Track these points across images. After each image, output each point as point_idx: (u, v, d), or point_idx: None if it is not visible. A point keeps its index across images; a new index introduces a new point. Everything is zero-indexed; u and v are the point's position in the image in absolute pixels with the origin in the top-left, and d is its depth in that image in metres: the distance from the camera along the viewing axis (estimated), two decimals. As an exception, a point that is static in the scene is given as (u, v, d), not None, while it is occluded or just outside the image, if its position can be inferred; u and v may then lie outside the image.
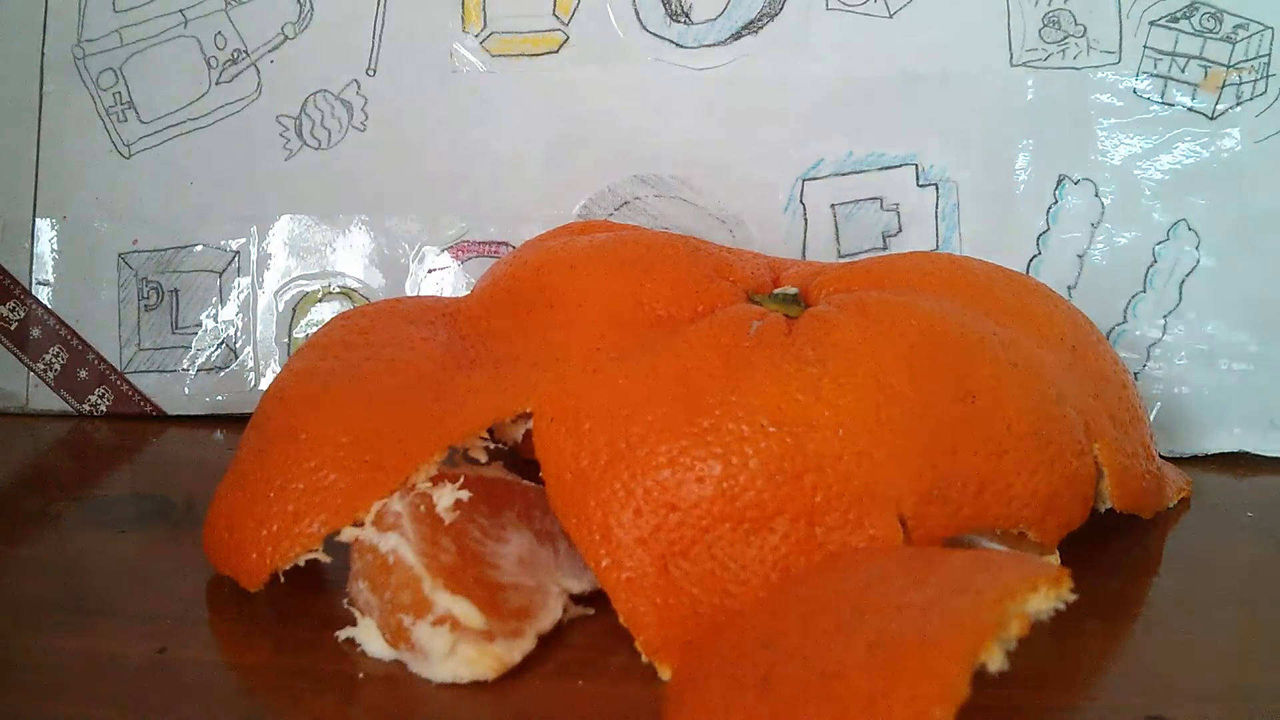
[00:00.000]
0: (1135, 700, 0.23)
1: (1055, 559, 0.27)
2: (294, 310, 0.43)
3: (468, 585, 0.25)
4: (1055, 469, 0.27)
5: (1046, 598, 0.20)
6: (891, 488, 0.25)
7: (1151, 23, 0.40)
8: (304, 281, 0.44)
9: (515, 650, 0.25)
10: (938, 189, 0.41)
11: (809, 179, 0.41)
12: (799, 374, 0.26)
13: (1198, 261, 0.40)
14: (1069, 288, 0.40)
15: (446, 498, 0.26)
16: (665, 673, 0.24)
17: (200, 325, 0.44)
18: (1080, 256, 0.40)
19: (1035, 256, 0.40)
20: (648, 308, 0.29)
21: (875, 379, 0.26)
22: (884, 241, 0.41)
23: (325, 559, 0.26)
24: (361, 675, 0.24)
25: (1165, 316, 0.40)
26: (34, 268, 0.44)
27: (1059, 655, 0.25)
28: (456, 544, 0.26)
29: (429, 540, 0.25)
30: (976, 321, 0.29)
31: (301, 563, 0.26)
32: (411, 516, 0.25)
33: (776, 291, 0.30)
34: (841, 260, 0.41)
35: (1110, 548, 0.30)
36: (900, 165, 0.41)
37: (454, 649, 0.24)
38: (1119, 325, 0.40)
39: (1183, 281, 0.40)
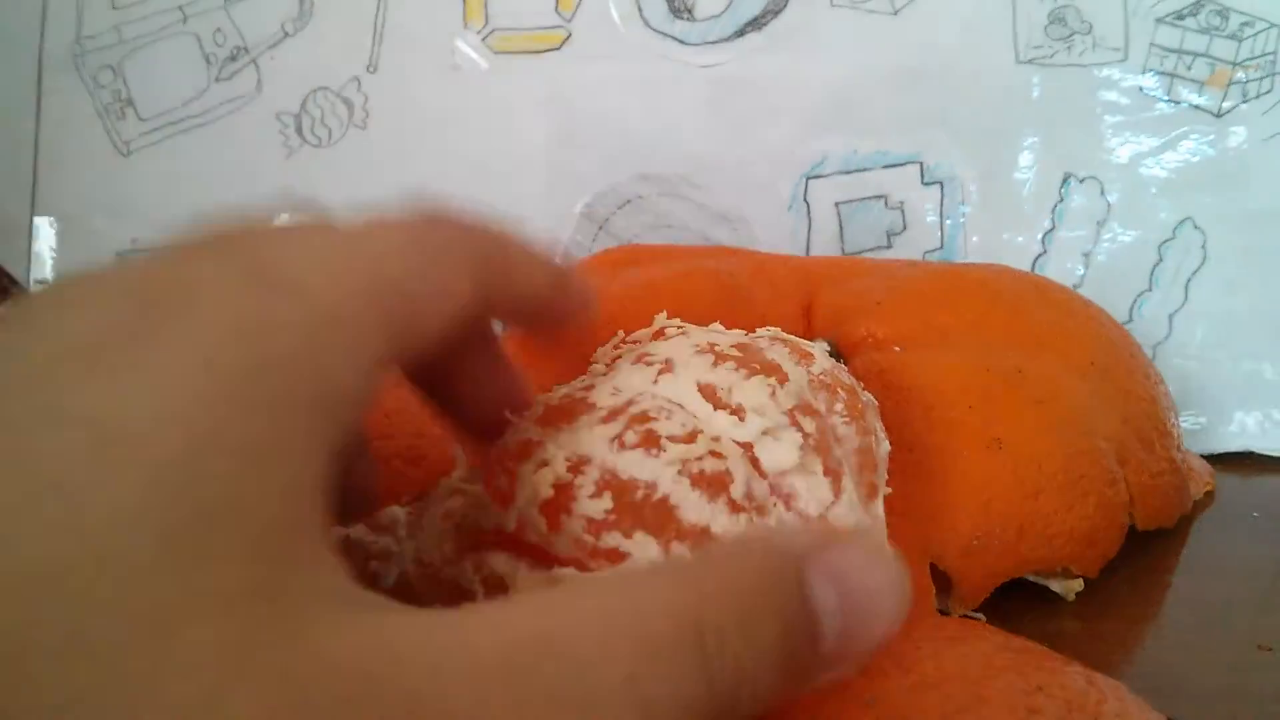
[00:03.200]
0: (1143, 701, 0.23)
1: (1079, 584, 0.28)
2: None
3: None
4: (1090, 502, 0.27)
5: None
6: (918, 544, 0.25)
7: (1158, 20, 0.40)
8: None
9: None
10: (942, 187, 0.41)
11: (813, 177, 0.41)
12: None
13: (1204, 260, 0.39)
14: (1074, 286, 0.40)
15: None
16: None
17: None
18: (1085, 255, 0.40)
19: (1040, 255, 0.40)
20: None
21: (898, 447, 0.26)
22: (888, 240, 0.41)
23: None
24: None
25: (1171, 316, 0.40)
26: (32, 266, 0.44)
27: (1067, 656, 0.25)
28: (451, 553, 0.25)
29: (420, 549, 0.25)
30: (1002, 359, 0.29)
31: None
32: (407, 525, 0.25)
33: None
34: (859, 261, 0.41)
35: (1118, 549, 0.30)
36: (905, 163, 0.41)
37: None
38: (1124, 324, 0.40)
39: (1189, 280, 0.39)
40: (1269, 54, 0.39)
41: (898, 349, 0.30)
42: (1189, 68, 0.39)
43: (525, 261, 0.19)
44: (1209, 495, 0.34)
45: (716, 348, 0.21)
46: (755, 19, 0.41)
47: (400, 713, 0.11)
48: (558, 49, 0.42)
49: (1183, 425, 0.39)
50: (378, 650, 0.11)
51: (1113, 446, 0.28)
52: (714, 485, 0.19)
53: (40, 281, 0.44)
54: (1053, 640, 0.23)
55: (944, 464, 0.27)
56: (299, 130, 0.43)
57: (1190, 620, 0.27)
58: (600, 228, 0.42)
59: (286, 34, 0.43)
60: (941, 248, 0.41)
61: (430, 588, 0.24)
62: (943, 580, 0.26)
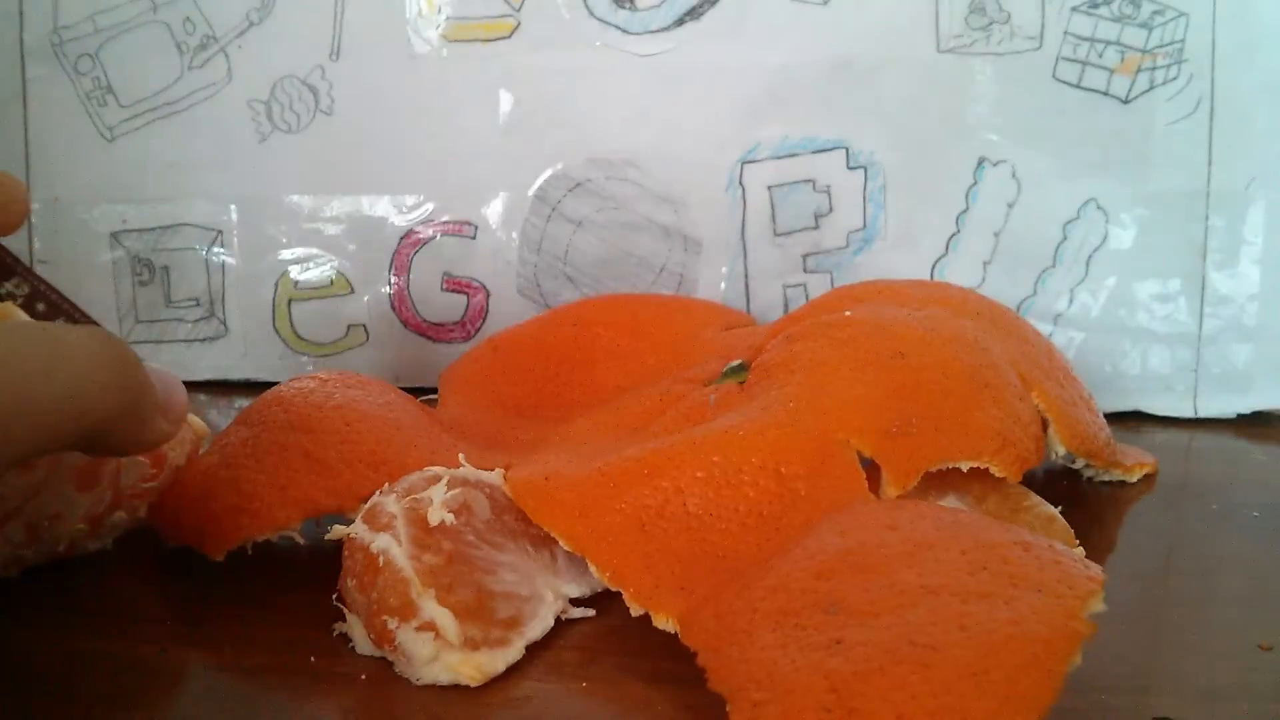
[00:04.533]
0: (1142, 700, 0.23)
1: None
2: (276, 285, 0.47)
3: (457, 591, 0.25)
4: (1001, 406, 0.30)
5: (1100, 601, 0.22)
6: (843, 432, 0.28)
7: (1073, 9, 0.42)
8: (283, 258, 0.47)
9: (499, 660, 0.25)
10: (866, 172, 0.44)
11: (748, 161, 0.44)
12: (755, 399, 0.30)
13: (1104, 238, 0.43)
14: (984, 263, 0.43)
15: (437, 505, 0.26)
16: (662, 620, 0.25)
17: (191, 300, 0.47)
18: (996, 235, 0.43)
19: (954, 235, 0.44)
20: (623, 415, 0.33)
21: (811, 366, 0.30)
22: (816, 222, 0.44)
23: (300, 540, 0.28)
24: (364, 677, 0.25)
25: (1072, 289, 0.43)
26: (33, 247, 0.48)
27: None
28: (451, 548, 0.25)
29: (420, 544, 0.25)
30: (890, 310, 0.33)
31: (275, 539, 0.28)
32: (406, 520, 0.25)
33: (725, 369, 0.33)
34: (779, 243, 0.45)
35: (1116, 547, 0.32)
36: (832, 149, 0.44)
37: (437, 655, 0.24)
38: (1029, 298, 0.43)
39: (1090, 257, 0.43)
40: (1178, 42, 0.42)
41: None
42: (1100, 55, 0.42)
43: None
44: (1148, 479, 0.36)
45: None
46: (693, 8, 0.43)
47: None
48: (508, 38, 0.44)
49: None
50: None
51: (1014, 369, 0.31)
52: None
53: (41, 261, 0.48)
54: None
55: (853, 371, 0.30)
56: (269, 116, 0.46)
57: (1190, 620, 0.27)
58: (553, 209, 0.45)
59: (251, 23, 0.45)
60: (864, 228, 0.44)
61: (436, 571, 0.26)
62: (874, 472, 0.28)
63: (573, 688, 0.24)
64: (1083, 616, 0.21)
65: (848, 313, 0.33)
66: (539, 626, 0.26)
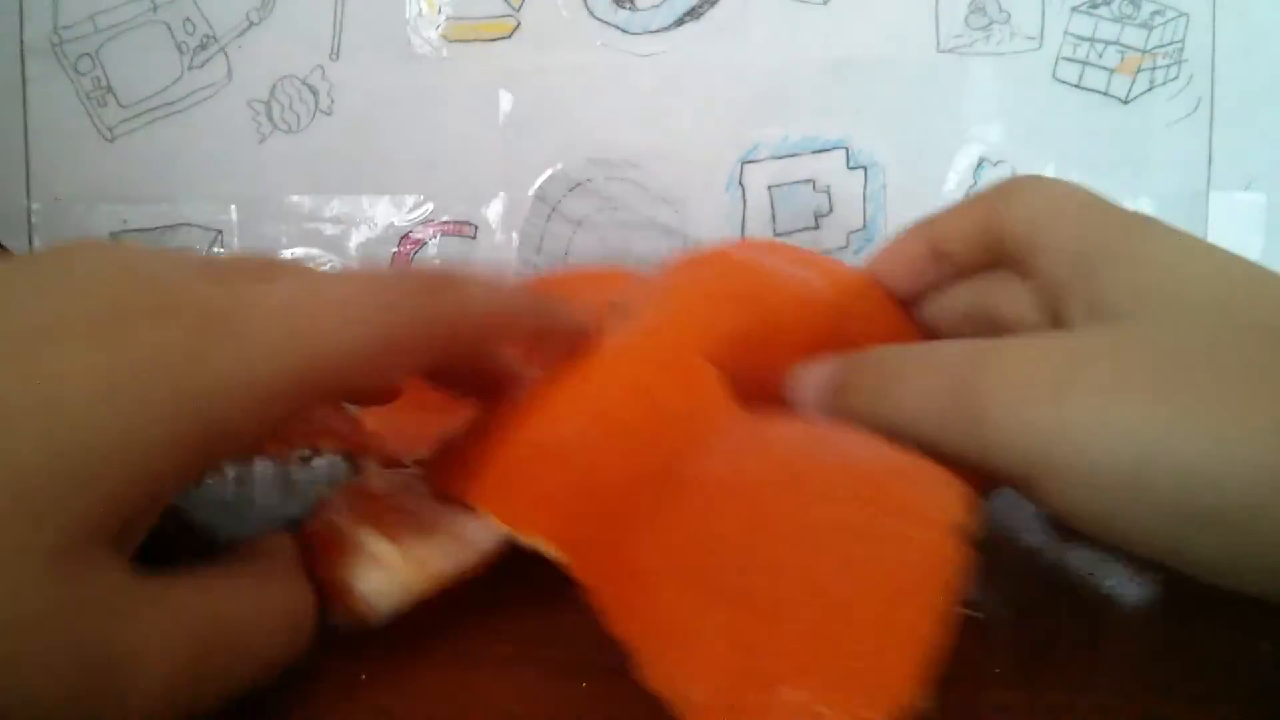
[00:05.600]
0: (1137, 701, 0.23)
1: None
2: (276, 285, 0.47)
3: (399, 527, 0.25)
4: None
5: (972, 519, 0.20)
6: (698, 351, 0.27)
7: (1073, 9, 0.42)
8: (283, 258, 0.47)
9: (451, 564, 0.25)
10: (866, 172, 0.44)
11: (748, 161, 0.44)
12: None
13: (1105, 238, 0.43)
14: (985, 264, 0.43)
15: (373, 474, 0.27)
16: (535, 540, 0.24)
17: (191, 299, 0.48)
18: (996, 235, 0.43)
19: (955, 235, 0.44)
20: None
21: (672, 289, 0.30)
22: (816, 222, 0.44)
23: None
24: (364, 677, 0.25)
25: (1072, 289, 0.43)
26: (33, 247, 0.48)
27: (1058, 655, 0.25)
28: (387, 500, 0.26)
29: (359, 509, 0.26)
30: (770, 258, 0.32)
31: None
32: (345, 496, 0.27)
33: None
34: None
35: (1115, 547, 0.32)
36: (832, 149, 0.44)
37: (390, 583, 0.25)
38: (1029, 298, 0.43)
39: (1090, 257, 0.43)
40: (1177, 41, 0.42)
41: None
42: (1100, 55, 0.42)
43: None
44: None
45: None
46: (693, 8, 0.43)
47: None
48: (508, 38, 0.44)
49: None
50: None
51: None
52: None
53: (42, 261, 0.48)
54: (1042, 640, 0.24)
55: (714, 303, 0.29)
56: (269, 116, 0.46)
57: (1190, 620, 0.27)
58: (553, 209, 0.45)
59: (252, 23, 0.45)
60: (864, 228, 0.44)
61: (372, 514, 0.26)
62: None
63: (572, 687, 0.24)
64: (956, 541, 0.19)
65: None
66: (489, 538, 0.25)
